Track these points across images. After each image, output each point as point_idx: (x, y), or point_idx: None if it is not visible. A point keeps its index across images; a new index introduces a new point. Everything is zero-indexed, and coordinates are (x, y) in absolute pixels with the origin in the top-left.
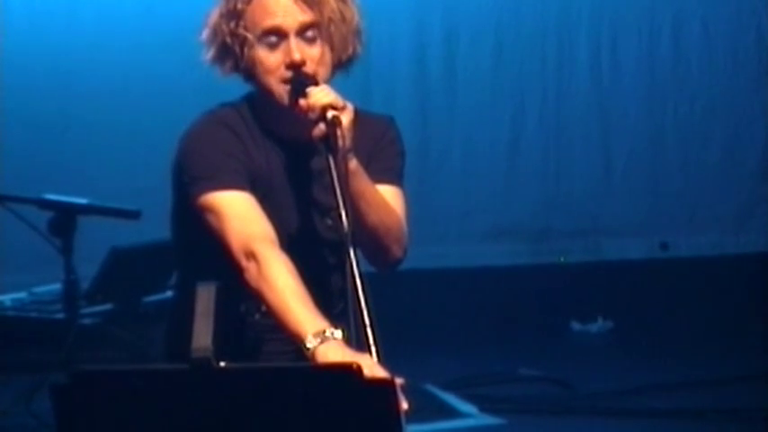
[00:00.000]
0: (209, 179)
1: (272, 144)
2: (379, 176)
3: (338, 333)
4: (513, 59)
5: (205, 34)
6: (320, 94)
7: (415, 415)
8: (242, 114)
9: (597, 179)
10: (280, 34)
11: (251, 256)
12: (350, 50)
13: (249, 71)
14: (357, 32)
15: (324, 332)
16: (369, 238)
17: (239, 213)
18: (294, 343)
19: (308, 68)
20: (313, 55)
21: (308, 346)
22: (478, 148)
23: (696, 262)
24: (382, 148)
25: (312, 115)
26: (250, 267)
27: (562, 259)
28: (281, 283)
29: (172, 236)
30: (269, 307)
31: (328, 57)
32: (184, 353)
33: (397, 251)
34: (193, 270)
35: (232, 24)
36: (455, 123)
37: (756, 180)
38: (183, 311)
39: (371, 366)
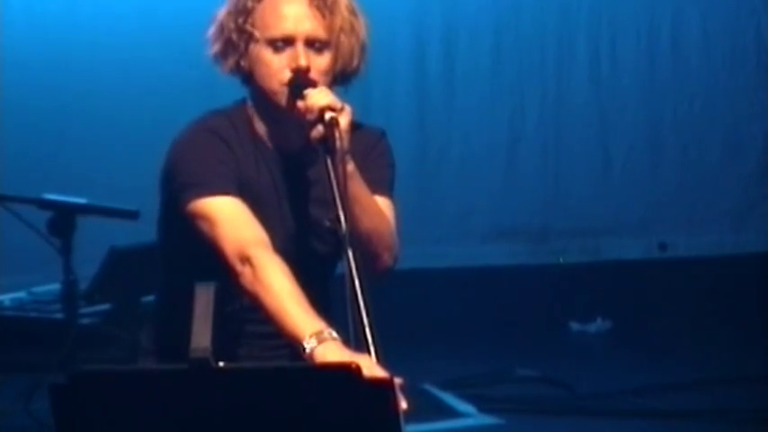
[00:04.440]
0: (198, 186)
1: (264, 152)
2: (369, 187)
3: (335, 333)
4: (512, 59)
5: (211, 30)
6: (318, 96)
7: (414, 415)
8: (233, 122)
9: (596, 179)
10: (288, 41)
11: (246, 260)
12: (353, 64)
13: (250, 70)
14: (363, 47)
15: (321, 333)
16: (361, 243)
17: (231, 218)
18: (279, 348)
19: (312, 76)
20: (319, 65)
21: (306, 347)
22: (477, 148)
23: (695, 262)
24: (372, 160)
25: (310, 116)
26: (245, 272)
27: (561, 259)
28: (277, 285)
29: (158, 239)
30: (266, 310)
31: (331, 67)
32: (174, 354)
33: (387, 259)
34: (179, 273)
35: (240, 20)
36: (454, 123)
37: (755, 180)
38: (169, 313)
39: (370, 366)
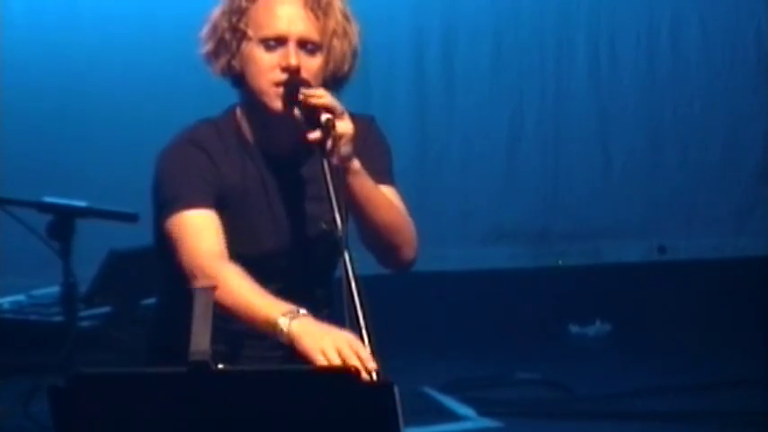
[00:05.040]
0: (171, 202)
1: (252, 155)
2: (372, 179)
3: (304, 311)
4: (512, 60)
5: (205, 30)
6: (318, 93)
7: (414, 417)
8: (218, 129)
9: (595, 181)
10: (280, 40)
11: (198, 270)
12: (344, 68)
13: (242, 69)
14: (355, 53)
15: (292, 311)
16: (379, 239)
17: (193, 232)
18: (275, 348)
19: (303, 76)
20: (310, 66)
21: (281, 326)
22: (477, 149)
23: (694, 265)
24: (368, 150)
25: (303, 112)
26: (198, 283)
27: (560, 262)
28: (236, 284)
29: (155, 246)
30: (232, 311)
31: (323, 70)
32: (174, 357)
33: (408, 251)
34: (176, 277)
35: (234, 19)
36: (453, 125)
37: (755, 182)
38: (168, 316)
39: (351, 341)
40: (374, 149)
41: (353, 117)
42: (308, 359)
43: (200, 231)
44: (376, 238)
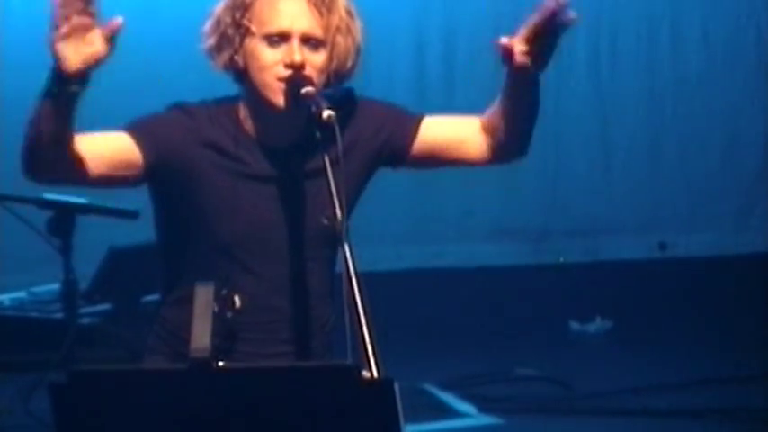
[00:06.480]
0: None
1: (247, 144)
2: (413, 129)
3: None
4: None
5: (208, 24)
6: None
7: (414, 414)
8: (211, 115)
9: (596, 179)
10: (284, 36)
11: None
12: (348, 65)
13: (244, 65)
14: (357, 50)
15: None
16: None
17: (95, 135)
18: (272, 345)
19: (306, 72)
20: (314, 62)
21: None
22: None
23: (695, 262)
24: (389, 126)
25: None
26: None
27: (561, 259)
28: None
29: (155, 242)
30: (38, 131)
31: (326, 66)
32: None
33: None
34: (177, 276)
35: (237, 15)
36: None
37: (755, 180)
38: (169, 312)
39: None
40: (393, 120)
41: (358, 106)
42: None
43: (97, 136)
44: (513, 126)
